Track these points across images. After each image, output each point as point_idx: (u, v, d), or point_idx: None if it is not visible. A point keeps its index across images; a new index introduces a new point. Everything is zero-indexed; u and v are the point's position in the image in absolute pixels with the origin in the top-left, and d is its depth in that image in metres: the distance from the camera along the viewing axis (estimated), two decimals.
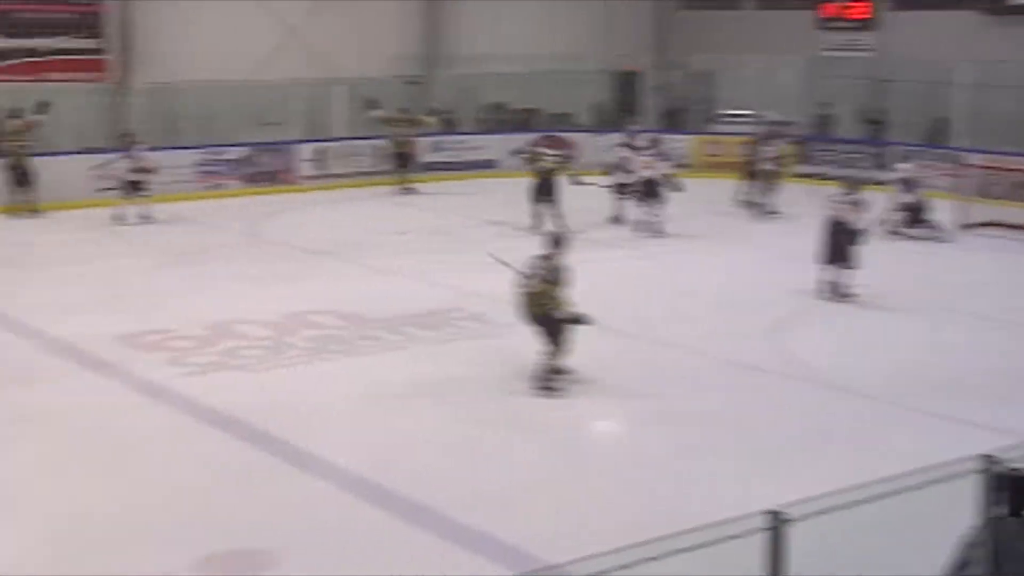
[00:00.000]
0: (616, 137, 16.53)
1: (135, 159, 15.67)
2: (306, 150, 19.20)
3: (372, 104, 18.62)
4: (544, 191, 14.92)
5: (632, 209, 15.34)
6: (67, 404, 7.88)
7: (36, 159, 16.13)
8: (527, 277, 8.59)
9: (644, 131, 17.31)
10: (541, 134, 16.67)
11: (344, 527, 6.17)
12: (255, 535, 6.08)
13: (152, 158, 15.83)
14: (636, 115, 22.11)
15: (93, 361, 9.13)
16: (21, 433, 7.52)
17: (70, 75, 18.64)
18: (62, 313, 10.37)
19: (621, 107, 22.81)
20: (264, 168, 18.82)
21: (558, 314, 8.47)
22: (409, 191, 18.33)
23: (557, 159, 15.36)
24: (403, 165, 18.47)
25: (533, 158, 15.32)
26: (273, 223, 16.00)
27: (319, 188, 18.78)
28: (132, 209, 15.48)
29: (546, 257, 8.68)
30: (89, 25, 18.62)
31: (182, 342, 9.79)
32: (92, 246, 13.82)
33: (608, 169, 15.96)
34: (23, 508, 6.36)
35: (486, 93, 22.10)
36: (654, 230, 14.78)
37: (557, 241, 8.80)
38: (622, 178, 15.65)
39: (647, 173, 15.07)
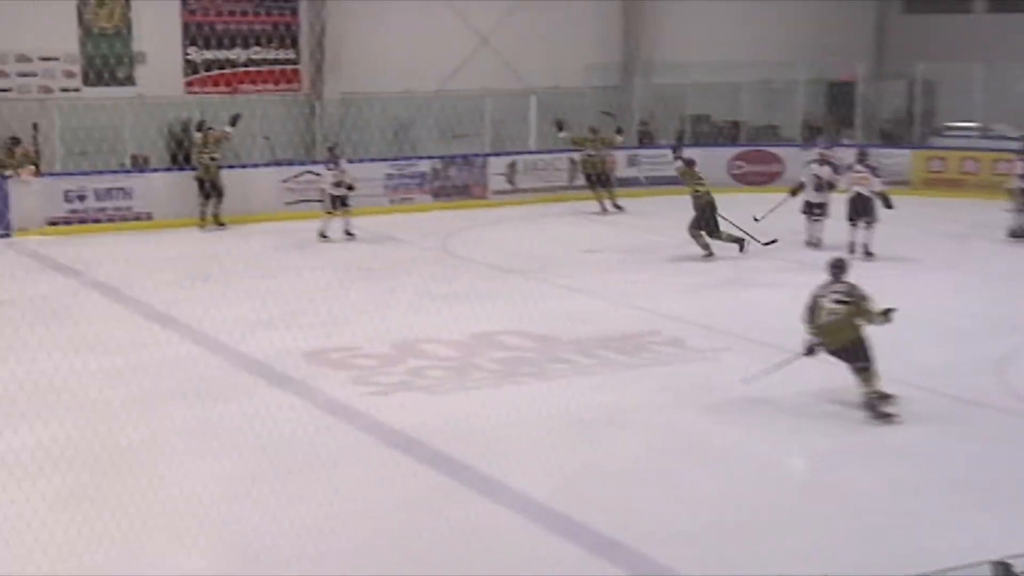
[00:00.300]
0: (819, 152, 15.90)
1: (340, 172, 16.15)
2: (497, 164, 19.51)
3: (560, 125, 18.73)
4: (853, 210, 14.51)
5: (828, 230, 14.94)
6: (253, 421, 8.17)
7: (227, 171, 17.04)
8: (833, 304, 8.70)
9: (839, 145, 16.85)
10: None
11: (530, 558, 6.16)
12: (439, 561, 6.14)
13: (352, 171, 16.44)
14: (848, 128, 21.44)
15: (279, 378, 9.47)
16: (207, 448, 7.83)
17: (263, 86, 19.60)
18: (249, 328, 10.81)
19: (834, 120, 22.17)
20: (454, 182, 19.24)
21: (878, 321, 8.59)
22: (613, 209, 18.34)
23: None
24: (604, 184, 18.42)
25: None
26: (462, 239, 16.31)
27: (510, 203, 19.04)
28: (336, 223, 15.99)
29: (837, 280, 8.81)
30: (283, 35, 19.53)
31: (367, 360, 10.04)
32: (280, 260, 14.43)
33: (797, 187, 15.46)
34: (207, 526, 6.60)
35: (687, 104, 21.92)
36: (864, 251, 14.34)
37: (841, 265, 8.96)
38: (814, 197, 15.21)
39: (858, 189, 14.57)
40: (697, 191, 14.73)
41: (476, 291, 12.73)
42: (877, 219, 14.52)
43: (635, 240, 16.01)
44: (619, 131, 18.91)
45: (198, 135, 17.10)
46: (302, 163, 18.48)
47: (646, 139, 21.85)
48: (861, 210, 14.51)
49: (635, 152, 20.68)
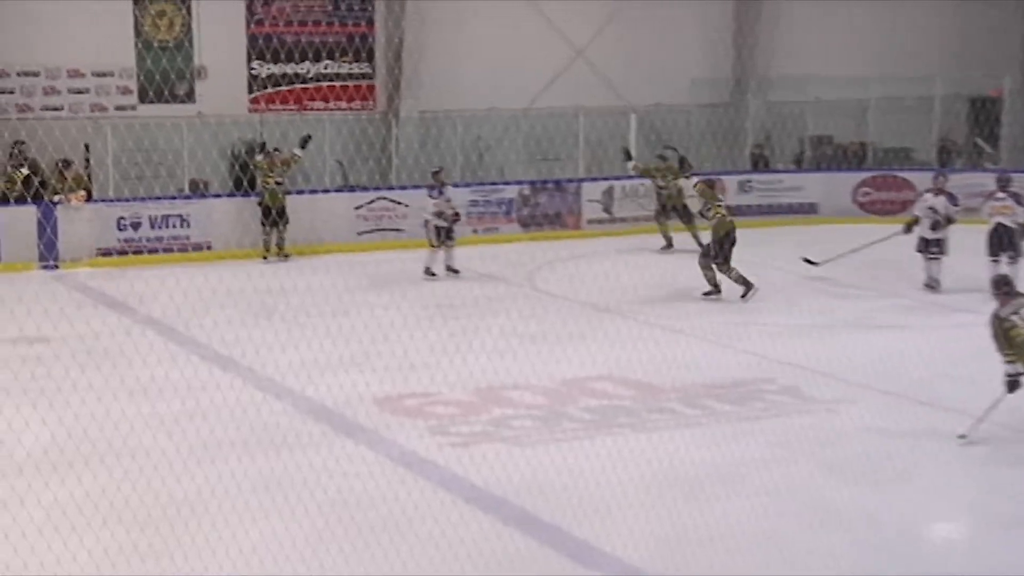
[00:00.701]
0: (934, 181, 15.57)
1: (445, 202, 16.18)
2: (592, 190, 19.59)
3: (628, 153, 18.71)
4: (994, 244, 14.48)
5: (945, 268, 14.81)
6: (320, 475, 8.28)
7: (294, 197, 17.46)
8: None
9: (982, 170, 16.55)
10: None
11: None
12: None
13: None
14: (992, 151, 21.09)
15: (348, 426, 9.60)
16: (270, 505, 7.93)
17: (335, 104, 20.02)
18: (317, 371, 10.96)
19: (976, 141, 21.85)
20: (544, 210, 19.36)
21: None
22: (669, 246, 18.17)
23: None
24: (683, 218, 18.10)
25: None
26: (553, 274, 16.39)
27: (606, 234, 19.11)
28: (439, 257, 16.11)
29: (1016, 296, 9.03)
30: (357, 48, 19.89)
31: (445, 408, 10.14)
32: (351, 296, 14.64)
33: (912, 221, 15.17)
34: None
35: (807, 123, 21.79)
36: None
37: (1009, 280, 9.26)
38: (929, 233, 14.98)
39: (999, 220, 14.35)
40: (718, 214, 14.78)
41: (568, 332, 12.77)
42: (1022, 253, 14.32)
43: (745, 275, 15.91)
44: (682, 164, 18.32)
45: (262, 158, 17.52)
46: (377, 188, 18.80)
47: (760, 163, 21.75)
48: (1004, 243, 14.32)
49: (748, 177, 20.61)
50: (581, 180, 19.74)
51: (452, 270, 16.16)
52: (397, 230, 18.52)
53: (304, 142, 17.44)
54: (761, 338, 12.42)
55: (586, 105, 20.30)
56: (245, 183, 17.38)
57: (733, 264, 14.51)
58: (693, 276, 15.72)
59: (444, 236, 16.12)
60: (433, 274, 15.99)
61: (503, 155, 20.41)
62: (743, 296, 14.43)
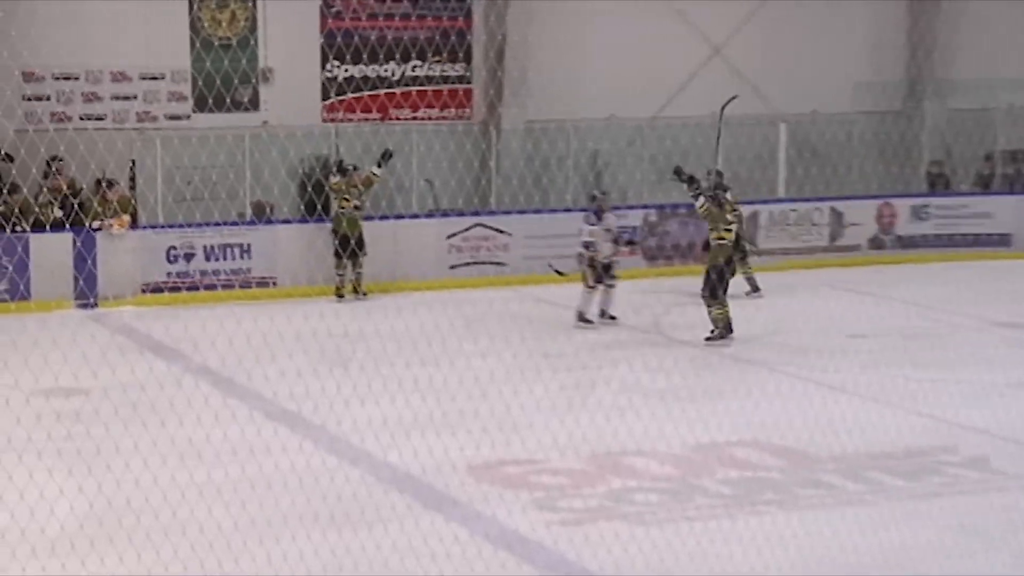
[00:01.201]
0: None
1: (605, 231, 16.15)
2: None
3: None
4: None
5: None
6: (405, 556, 8.30)
7: (374, 224, 17.72)
8: None
9: None
10: None
11: None
12: None
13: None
14: None
15: (438, 498, 9.65)
16: None
17: (424, 112, 20.35)
18: (400, 431, 11.04)
19: None
20: (674, 239, 19.36)
21: None
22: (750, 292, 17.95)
23: None
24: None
25: None
26: (684, 316, 16.37)
27: (751, 269, 19.02)
28: (596, 299, 16.11)
29: None
30: (452, 46, 20.11)
31: (554, 477, 10.14)
32: (442, 342, 14.72)
33: None
34: None
35: (996, 135, 21.51)
36: None
37: None
38: None
39: None
40: (722, 239, 15.15)
41: (702, 387, 12.74)
42: None
43: (919, 321, 15.73)
44: (690, 181, 17.79)
45: (336, 180, 17.79)
46: (474, 213, 18.99)
47: (939, 184, 21.49)
48: None
49: (924, 201, 20.38)
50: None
51: (609, 316, 16.14)
52: (497, 263, 18.69)
53: (384, 159, 17.70)
54: (940, 398, 12.25)
55: (726, 113, 20.24)
56: (319, 207, 17.59)
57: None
58: (855, 321, 15.58)
59: (606, 274, 16.09)
60: (589, 321, 16.00)
61: (625, 173, 20.45)
62: (707, 338, 14.98)
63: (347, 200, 17.66)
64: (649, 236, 19.44)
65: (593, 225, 16.22)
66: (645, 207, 19.59)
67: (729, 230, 15.38)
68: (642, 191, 20.28)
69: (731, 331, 15.10)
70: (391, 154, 17.78)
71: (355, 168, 17.96)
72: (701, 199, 15.46)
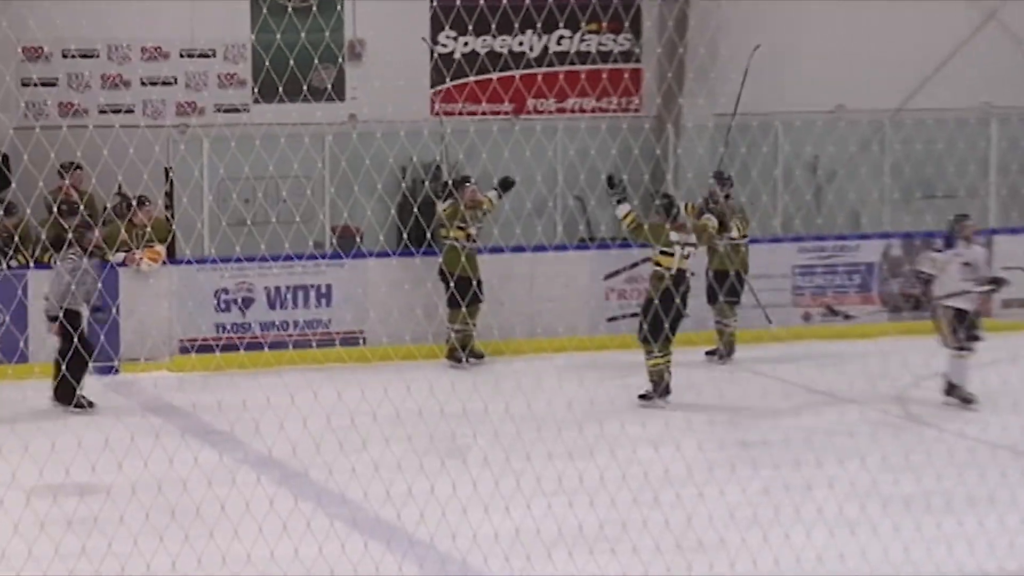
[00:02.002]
0: None
1: (963, 265, 16.04)
2: (1014, 247, 19.48)
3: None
4: None
5: None
6: None
7: (490, 257, 18.08)
8: None
9: None
10: None
11: None
12: None
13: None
14: None
15: None
16: None
17: (572, 103, 20.65)
18: (539, 549, 11.12)
19: None
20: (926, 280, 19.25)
21: None
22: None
23: None
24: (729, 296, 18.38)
25: None
26: (939, 390, 16.41)
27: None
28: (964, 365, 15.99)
29: None
30: (615, 15, 20.06)
31: None
32: (595, 422, 14.65)
33: None
34: None
35: None
36: None
37: None
38: None
39: None
40: (658, 266, 16.40)
41: (966, 493, 12.62)
42: None
43: None
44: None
45: (449, 204, 18.09)
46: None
47: None
48: None
49: None
50: (993, 231, 19.51)
51: (963, 400, 15.95)
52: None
53: (504, 188, 18.07)
54: None
55: (1000, 104, 20.09)
56: (428, 234, 17.54)
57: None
58: None
59: (967, 324, 15.92)
60: (967, 401, 15.94)
61: (857, 187, 20.36)
62: (640, 396, 16.19)
63: (463, 228, 17.86)
64: (891, 277, 19.35)
65: (942, 252, 16.25)
66: (885, 236, 19.48)
67: (669, 254, 16.16)
68: (880, 213, 20.18)
69: (668, 392, 15.90)
70: (513, 183, 17.98)
71: (466, 180, 18.32)
72: (624, 206, 15.75)
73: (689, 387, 16.36)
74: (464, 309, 17.61)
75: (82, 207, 17.00)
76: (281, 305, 18.02)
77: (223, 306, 17.92)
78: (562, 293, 18.52)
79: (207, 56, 19.65)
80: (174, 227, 18.18)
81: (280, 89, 19.08)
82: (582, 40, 20.45)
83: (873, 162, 20.42)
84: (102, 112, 19.16)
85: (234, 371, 17.24)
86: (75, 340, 14.75)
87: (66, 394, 15.85)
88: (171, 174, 18.53)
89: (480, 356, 18.00)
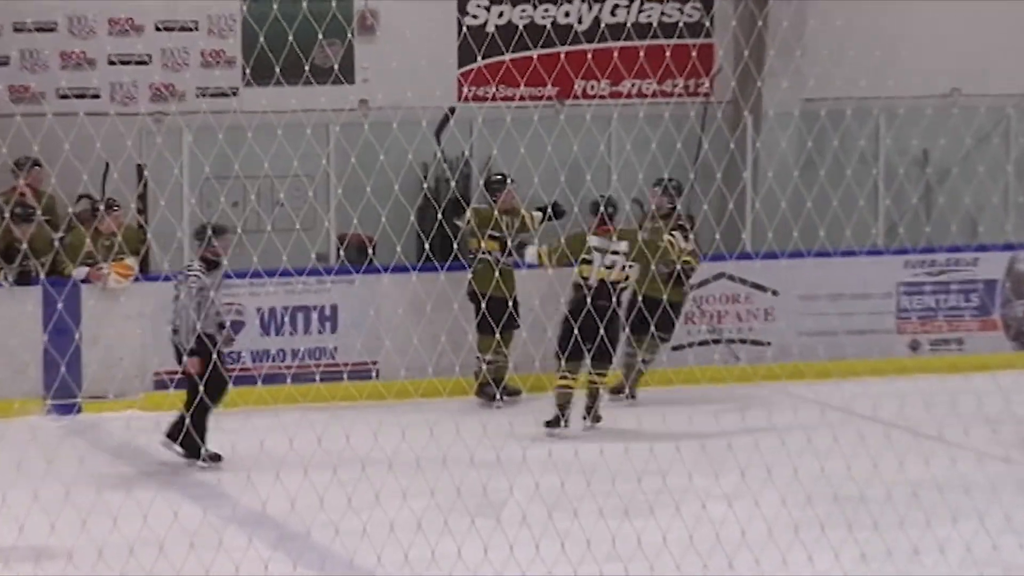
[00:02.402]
0: None
1: None
2: None
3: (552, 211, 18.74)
4: None
5: None
6: None
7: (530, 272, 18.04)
8: None
9: None
10: None
11: None
12: None
13: None
14: None
15: None
16: None
17: (632, 84, 20.94)
18: None
19: None
20: None
21: None
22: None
23: None
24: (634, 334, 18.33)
25: None
26: None
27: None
28: None
29: None
30: None
31: None
32: (657, 473, 14.76)
33: None
34: None
35: None
36: None
37: None
38: None
39: None
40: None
41: None
42: None
43: None
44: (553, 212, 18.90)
45: (470, 218, 18.24)
46: (717, 257, 19.12)
47: None
48: None
49: None
50: None
51: None
52: (755, 342, 19.17)
53: (551, 215, 18.33)
54: None
55: None
56: (455, 245, 17.60)
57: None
58: None
59: None
60: None
61: (975, 188, 20.38)
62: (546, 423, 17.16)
63: (496, 239, 17.95)
64: (1015, 298, 19.35)
65: None
66: (1009, 248, 19.49)
67: (587, 261, 17.15)
68: (1003, 220, 20.18)
69: (561, 418, 16.98)
70: (563, 213, 18.14)
71: (500, 179, 18.50)
72: (531, 248, 16.29)
73: (769, 429, 16.38)
74: (498, 336, 17.70)
75: (39, 212, 17.07)
76: (277, 330, 18.11)
77: None
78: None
79: (188, 30, 19.75)
80: (149, 236, 18.28)
81: (277, 70, 19.29)
82: (641, 10, 20.52)
83: (994, 157, 20.42)
84: (63, 97, 19.27)
85: (220, 410, 17.28)
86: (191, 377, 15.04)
87: (193, 444, 15.99)
88: (145, 172, 18.61)
89: (516, 393, 18.09)
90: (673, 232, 18.11)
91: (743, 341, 19.14)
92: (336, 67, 19.71)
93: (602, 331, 15.75)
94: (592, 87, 20.41)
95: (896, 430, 16.64)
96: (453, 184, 19.11)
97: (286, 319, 18.17)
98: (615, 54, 20.21)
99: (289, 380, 17.67)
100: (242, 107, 19.35)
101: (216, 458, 16.12)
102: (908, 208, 20.15)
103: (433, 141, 18.47)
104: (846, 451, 15.90)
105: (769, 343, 18.75)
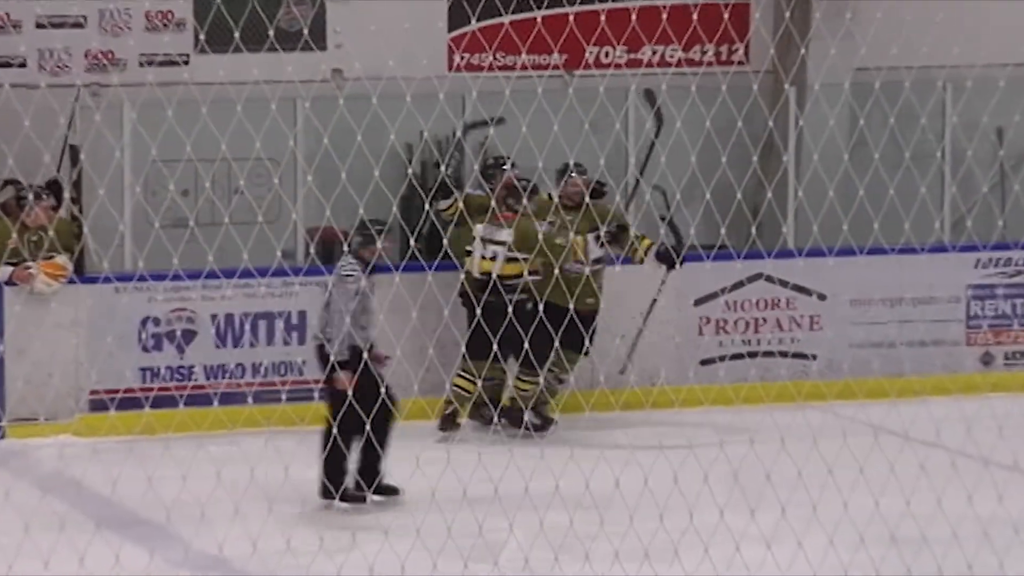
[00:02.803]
0: None
1: None
2: None
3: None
4: None
5: None
6: None
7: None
8: None
9: None
10: None
11: None
12: None
13: None
14: None
15: None
16: None
17: (653, 49, 21.03)
18: None
19: None
20: None
21: None
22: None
23: None
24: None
25: None
26: None
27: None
28: None
29: None
30: None
31: None
32: (681, 508, 14.93)
33: None
34: None
35: None
36: None
37: None
38: None
39: None
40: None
41: None
42: None
43: None
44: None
45: (448, 204, 18.34)
46: (752, 255, 19.23)
47: None
48: None
49: None
50: None
51: None
52: (799, 355, 19.14)
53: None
54: None
55: None
56: (446, 240, 17.74)
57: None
58: None
59: None
60: None
61: None
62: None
63: (502, 232, 18.03)
64: None
65: None
66: None
67: (469, 252, 17.94)
68: None
69: (451, 425, 17.78)
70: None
71: (499, 164, 18.56)
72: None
73: (812, 458, 16.50)
74: (496, 348, 17.81)
75: None
76: (235, 341, 18.18)
77: (153, 343, 18.06)
78: (637, 324, 18.65)
79: None
80: (85, 230, 18.34)
81: (235, 34, 19.36)
82: None
83: None
84: None
85: (170, 435, 17.38)
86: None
87: (370, 470, 16.26)
88: (80, 154, 18.67)
89: (550, 420, 18.16)
90: (584, 233, 18.17)
91: (783, 354, 19.20)
92: (305, 31, 19.86)
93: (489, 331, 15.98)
94: (606, 54, 20.51)
95: (964, 459, 16.74)
96: (443, 169, 19.15)
97: (246, 328, 18.24)
98: (633, 15, 20.38)
99: (250, 400, 17.76)
100: (194, 78, 19.41)
101: (391, 491, 16.48)
102: (978, 197, 20.27)
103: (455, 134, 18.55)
104: (905, 484, 16.05)
105: (814, 356, 18.87)
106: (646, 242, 19.10)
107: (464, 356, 17.25)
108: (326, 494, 16.04)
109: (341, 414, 15.01)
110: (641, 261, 18.84)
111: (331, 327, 16.37)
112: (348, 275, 16.47)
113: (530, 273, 17.82)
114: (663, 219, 19.68)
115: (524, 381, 17.95)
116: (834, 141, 19.56)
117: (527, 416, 18.00)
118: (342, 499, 15.95)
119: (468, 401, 17.91)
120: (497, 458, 15.33)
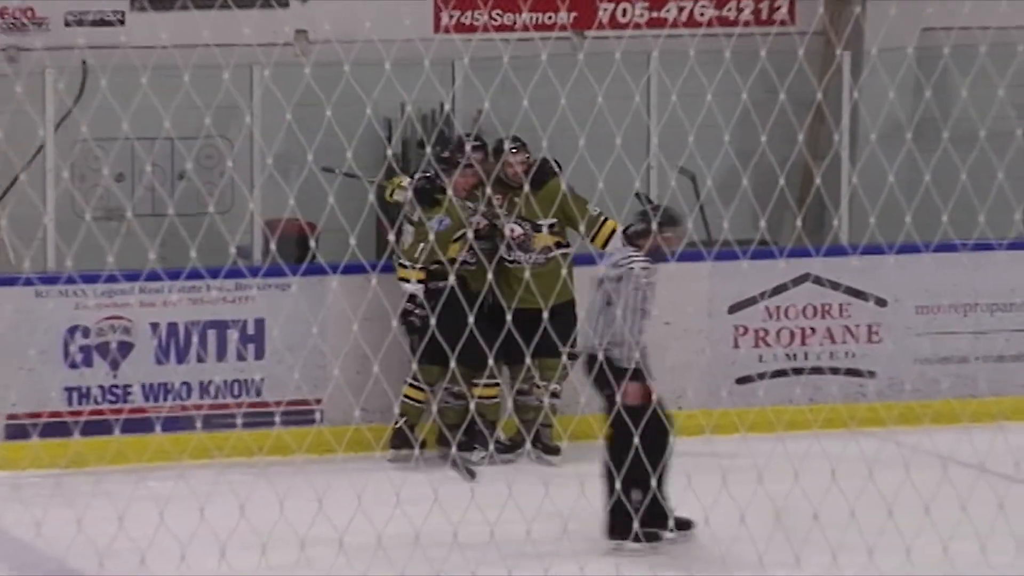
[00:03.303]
0: None
1: None
2: None
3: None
4: None
5: None
6: None
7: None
8: None
9: None
10: None
11: None
12: None
13: None
14: None
15: None
16: None
17: (678, 8, 21.11)
18: None
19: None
20: None
21: None
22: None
23: None
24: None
25: None
26: None
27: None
28: None
29: None
30: None
31: None
32: (715, 554, 15.07)
33: None
34: None
35: None
36: None
37: None
38: None
39: None
40: None
41: None
42: None
43: None
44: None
45: (405, 185, 18.46)
46: (799, 253, 19.29)
47: None
48: None
49: None
50: None
51: None
52: (853, 373, 19.23)
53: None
54: None
55: None
56: (431, 246, 17.94)
57: None
58: None
59: None
60: None
61: None
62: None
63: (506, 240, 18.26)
64: None
65: None
66: None
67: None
68: None
69: (402, 443, 17.91)
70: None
71: (483, 147, 18.81)
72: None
73: (871, 494, 16.67)
74: (492, 361, 17.98)
75: None
76: (180, 356, 18.30)
77: (82, 357, 18.20)
78: (660, 334, 18.85)
79: None
80: (2, 223, 18.51)
81: None
82: None
83: None
84: None
85: (103, 468, 17.52)
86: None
87: (626, 518, 16.34)
88: None
89: (556, 450, 18.34)
90: (523, 220, 18.40)
91: (835, 371, 19.34)
92: None
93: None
94: (623, 13, 20.68)
95: None
96: (429, 150, 19.31)
97: (193, 339, 18.37)
98: None
99: (199, 425, 17.88)
100: (131, 41, 19.55)
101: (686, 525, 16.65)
102: None
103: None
104: (979, 525, 16.23)
105: (872, 373, 19.05)
106: (610, 225, 19.13)
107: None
108: (618, 532, 16.31)
109: (639, 433, 15.17)
110: (602, 248, 18.83)
111: (624, 329, 16.46)
112: (637, 266, 16.55)
113: (462, 263, 17.90)
114: (699, 208, 19.92)
115: (486, 387, 17.88)
116: (895, 116, 19.72)
117: (498, 434, 18.11)
118: (636, 539, 16.03)
119: (420, 418, 17.92)
120: (493, 496, 15.54)
